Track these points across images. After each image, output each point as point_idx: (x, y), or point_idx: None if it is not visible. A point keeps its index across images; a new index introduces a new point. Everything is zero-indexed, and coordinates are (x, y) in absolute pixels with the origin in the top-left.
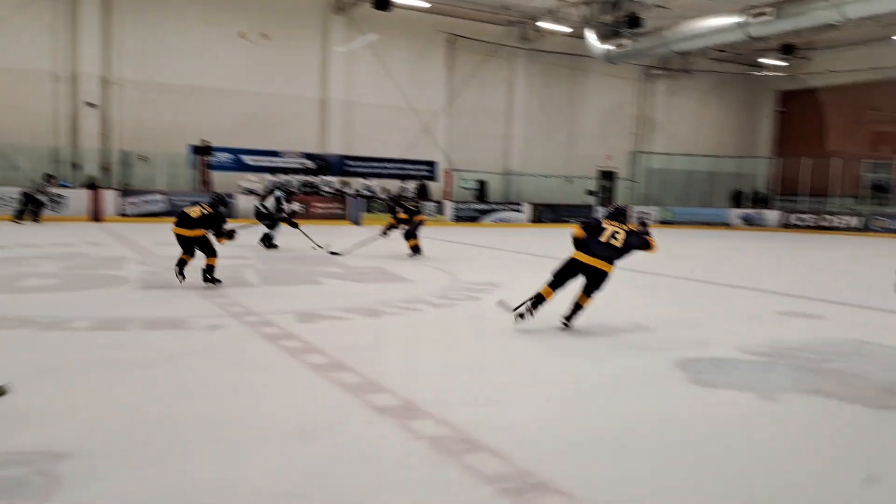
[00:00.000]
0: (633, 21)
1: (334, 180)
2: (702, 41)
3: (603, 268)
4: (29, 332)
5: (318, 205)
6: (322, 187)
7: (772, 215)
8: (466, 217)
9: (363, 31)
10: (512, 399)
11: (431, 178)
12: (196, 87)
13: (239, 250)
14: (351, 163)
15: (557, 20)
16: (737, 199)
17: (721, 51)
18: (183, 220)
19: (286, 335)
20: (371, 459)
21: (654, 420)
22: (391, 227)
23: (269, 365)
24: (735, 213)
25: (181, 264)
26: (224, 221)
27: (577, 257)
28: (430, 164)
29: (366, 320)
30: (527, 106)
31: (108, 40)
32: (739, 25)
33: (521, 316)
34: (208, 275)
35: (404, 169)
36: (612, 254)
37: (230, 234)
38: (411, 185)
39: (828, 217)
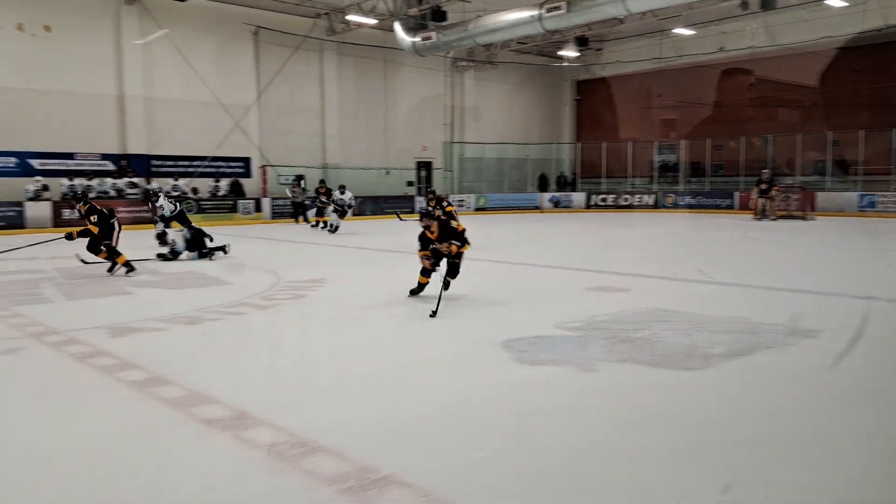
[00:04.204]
0: (438, 14)
1: (138, 182)
2: (503, 34)
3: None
4: None
5: (124, 209)
6: (126, 190)
7: (577, 197)
8: (286, 214)
9: (160, 23)
10: (344, 396)
11: (246, 175)
12: None
13: (34, 263)
14: (157, 162)
15: (364, 13)
16: (543, 184)
17: (523, 43)
18: None
19: (98, 353)
20: (205, 476)
21: (485, 402)
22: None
23: (80, 387)
24: (545, 197)
25: None
26: None
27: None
28: (244, 160)
29: (186, 329)
30: (340, 99)
31: None
32: (535, 19)
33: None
34: None
35: (216, 167)
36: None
37: None
38: (224, 183)
39: (626, 196)
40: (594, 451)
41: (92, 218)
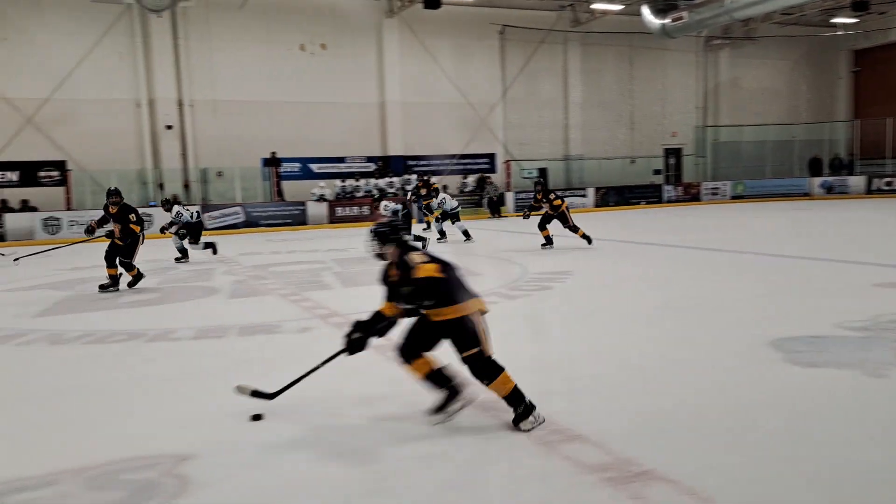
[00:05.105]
0: None
1: (397, 181)
2: (765, 6)
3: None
4: (139, 343)
5: None
6: (387, 189)
7: (856, 182)
8: (530, 207)
9: (415, 32)
10: (603, 388)
11: (491, 171)
12: (263, 102)
13: (314, 255)
14: (412, 162)
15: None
16: (815, 167)
17: (787, 14)
18: None
19: None
20: (479, 454)
21: (752, 403)
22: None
23: (361, 365)
24: (815, 182)
25: None
26: None
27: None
28: (490, 156)
29: None
30: (584, 89)
31: (181, 65)
32: None
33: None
34: None
35: (464, 164)
36: None
37: None
38: (471, 179)
39: None
40: (890, 468)
41: (132, 217)
